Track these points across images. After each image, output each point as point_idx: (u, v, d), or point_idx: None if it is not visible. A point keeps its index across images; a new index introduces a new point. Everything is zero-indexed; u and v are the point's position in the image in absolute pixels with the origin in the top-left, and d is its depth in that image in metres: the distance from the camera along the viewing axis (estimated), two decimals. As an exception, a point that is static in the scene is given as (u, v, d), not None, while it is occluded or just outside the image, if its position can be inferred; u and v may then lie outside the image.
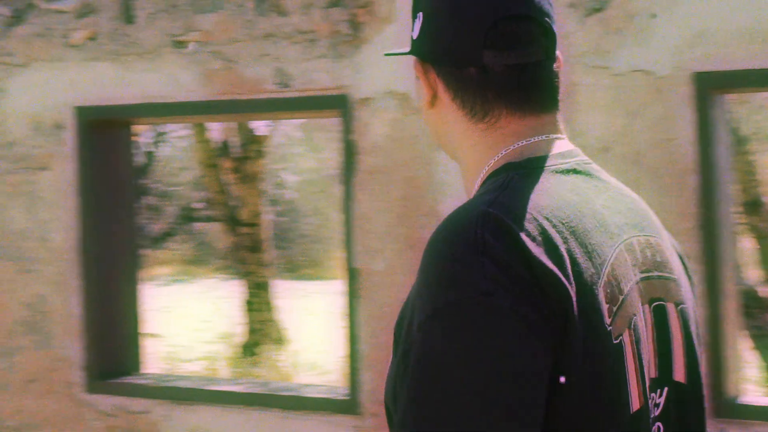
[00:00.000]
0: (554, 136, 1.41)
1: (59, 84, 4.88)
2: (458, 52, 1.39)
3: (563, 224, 1.26)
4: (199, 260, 22.88)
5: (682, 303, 1.42)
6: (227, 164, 11.82)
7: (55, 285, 4.90)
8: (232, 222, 11.94)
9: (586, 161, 1.42)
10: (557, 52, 1.43)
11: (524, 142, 1.39)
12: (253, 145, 11.80)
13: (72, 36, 4.86)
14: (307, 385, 5.74)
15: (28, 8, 4.97)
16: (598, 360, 1.22)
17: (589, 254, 1.26)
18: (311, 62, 4.34)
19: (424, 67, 1.44)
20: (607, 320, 1.24)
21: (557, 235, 1.24)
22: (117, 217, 4.99)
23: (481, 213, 1.23)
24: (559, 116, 1.43)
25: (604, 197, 1.38)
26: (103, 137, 4.93)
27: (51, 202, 4.90)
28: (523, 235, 1.21)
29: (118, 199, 5.01)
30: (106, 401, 4.81)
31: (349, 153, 4.26)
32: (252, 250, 11.83)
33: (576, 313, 1.20)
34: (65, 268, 4.87)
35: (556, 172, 1.35)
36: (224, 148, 11.88)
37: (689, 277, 1.50)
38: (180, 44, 4.58)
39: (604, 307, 1.24)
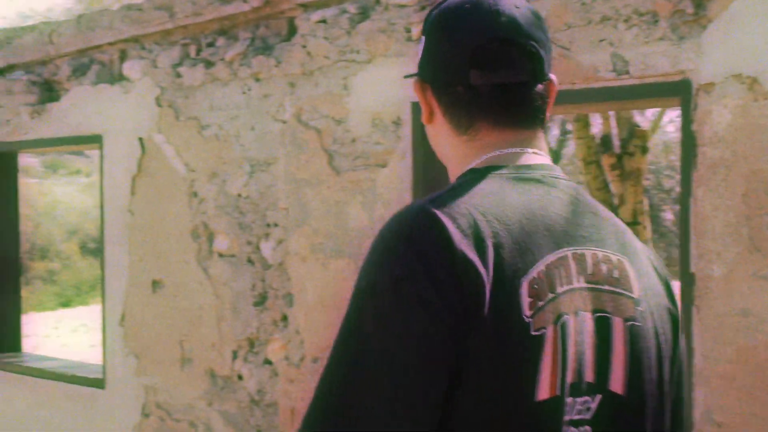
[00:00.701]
0: (531, 150, 1.52)
1: (398, 79, 4.80)
2: (448, 72, 1.52)
3: (498, 220, 1.36)
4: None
5: (634, 320, 1.45)
6: (608, 160, 11.36)
7: (390, 283, 4.83)
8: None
9: (557, 176, 1.49)
10: (551, 75, 1.54)
11: (497, 153, 1.51)
12: (635, 139, 11.25)
13: (412, 30, 4.77)
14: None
15: (374, 4, 4.95)
16: (505, 344, 1.31)
17: (521, 251, 1.36)
18: (650, 46, 3.93)
19: (423, 87, 1.58)
20: (527, 311, 1.33)
21: (488, 229, 1.34)
22: (454, 214, 4.84)
23: (418, 208, 1.37)
24: (541, 133, 1.53)
25: (566, 210, 1.45)
26: (441, 132, 4.80)
27: (387, 199, 4.84)
28: (451, 227, 1.32)
29: (456, 196, 4.86)
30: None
31: (690, 144, 3.82)
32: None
33: (488, 298, 1.30)
34: (400, 266, 4.78)
35: (514, 179, 1.45)
36: (605, 144, 11.43)
37: (669, 303, 1.54)
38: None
39: (525, 300, 1.33)
